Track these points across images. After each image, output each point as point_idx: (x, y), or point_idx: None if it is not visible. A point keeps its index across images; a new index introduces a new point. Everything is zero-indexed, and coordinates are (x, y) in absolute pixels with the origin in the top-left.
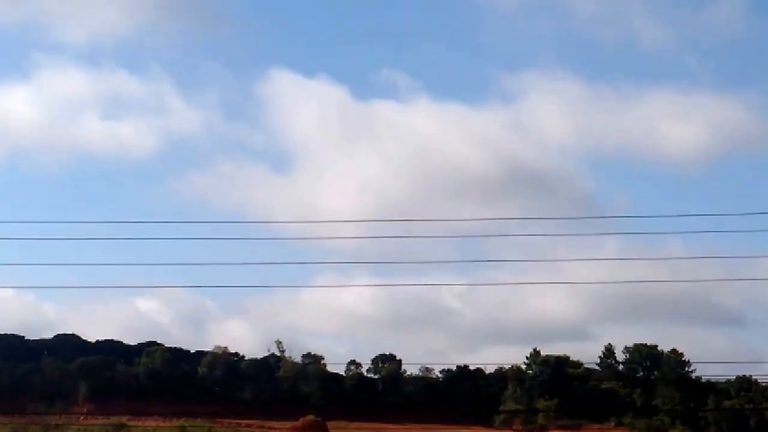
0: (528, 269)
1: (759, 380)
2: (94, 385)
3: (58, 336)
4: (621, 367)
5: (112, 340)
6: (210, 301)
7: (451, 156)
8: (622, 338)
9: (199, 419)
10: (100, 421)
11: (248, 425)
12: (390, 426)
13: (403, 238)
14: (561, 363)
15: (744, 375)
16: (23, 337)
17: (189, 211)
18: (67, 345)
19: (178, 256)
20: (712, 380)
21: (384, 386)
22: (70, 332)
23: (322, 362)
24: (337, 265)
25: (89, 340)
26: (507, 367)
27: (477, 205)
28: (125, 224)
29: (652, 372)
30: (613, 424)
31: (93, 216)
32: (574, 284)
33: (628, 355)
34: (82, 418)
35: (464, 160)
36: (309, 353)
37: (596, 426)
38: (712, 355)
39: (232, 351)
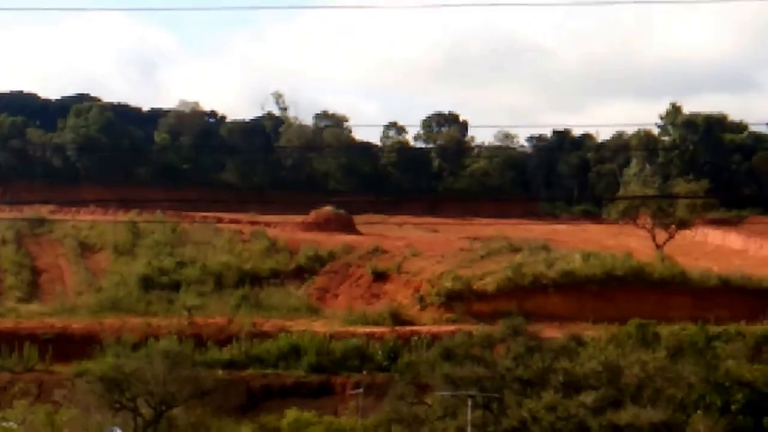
0: None
1: None
2: None
3: None
4: None
5: (21, 92)
6: (165, 34)
7: None
8: None
9: (158, 211)
10: (9, 213)
11: (234, 220)
12: (450, 221)
13: None
14: (714, 125)
15: None
16: None
17: None
18: None
19: None
20: None
21: (442, 160)
22: None
23: (346, 125)
24: None
25: None
26: (630, 131)
27: None
28: None
29: None
30: None
31: None
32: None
33: None
34: None
35: None
36: (325, 112)
37: (766, 220)
38: None
39: (207, 109)
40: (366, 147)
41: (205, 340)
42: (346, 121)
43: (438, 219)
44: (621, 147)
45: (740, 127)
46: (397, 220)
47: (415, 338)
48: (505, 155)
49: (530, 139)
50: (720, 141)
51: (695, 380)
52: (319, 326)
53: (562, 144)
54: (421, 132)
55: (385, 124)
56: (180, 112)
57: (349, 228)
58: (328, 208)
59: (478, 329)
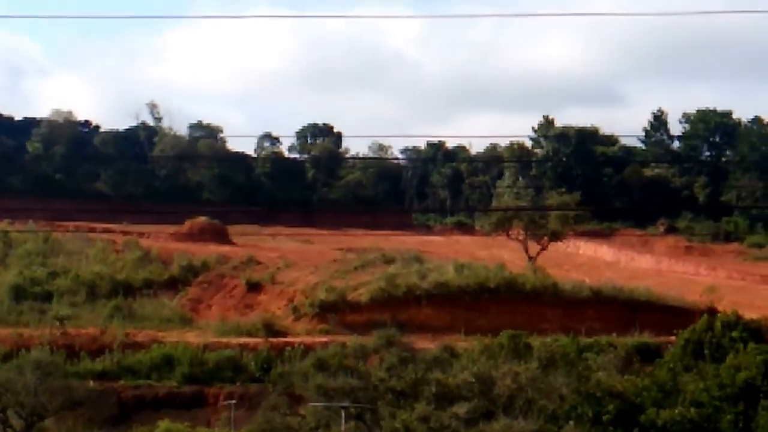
0: None
1: None
2: None
3: None
4: (676, 144)
5: None
6: (33, 43)
7: None
8: (679, 101)
9: (30, 221)
10: None
11: (107, 230)
12: (324, 232)
13: None
14: (586, 138)
15: None
16: None
17: None
18: None
19: None
20: None
21: (316, 171)
22: None
23: (220, 136)
24: None
25: None
26: (503, 144)
27: None
28: None
29: (723, 151)
30: (662, 228)
31: None
32: (599, 17)
33: (687, 125)
34: None
35: None
36: (199, 123)
37: (637, 232)
38: None
39: (80, 119)
40: (240, 157)
41: (78, 350)
42: (221, 131)
43: (312, 230)
44: (494, 159)
45: (611, 140)
46: (271, 231)
47: (289, 349)
48: (379, 166)
49: (404, 150)
50: (592, 153)
51: (567, 391)
52: (193, 337)
53: (436, 156)
54: (296, 143)
55: (260, 134)
56: (53, 122)
57: (223, 238)
58: (202, 219)
59: (351, 340)
